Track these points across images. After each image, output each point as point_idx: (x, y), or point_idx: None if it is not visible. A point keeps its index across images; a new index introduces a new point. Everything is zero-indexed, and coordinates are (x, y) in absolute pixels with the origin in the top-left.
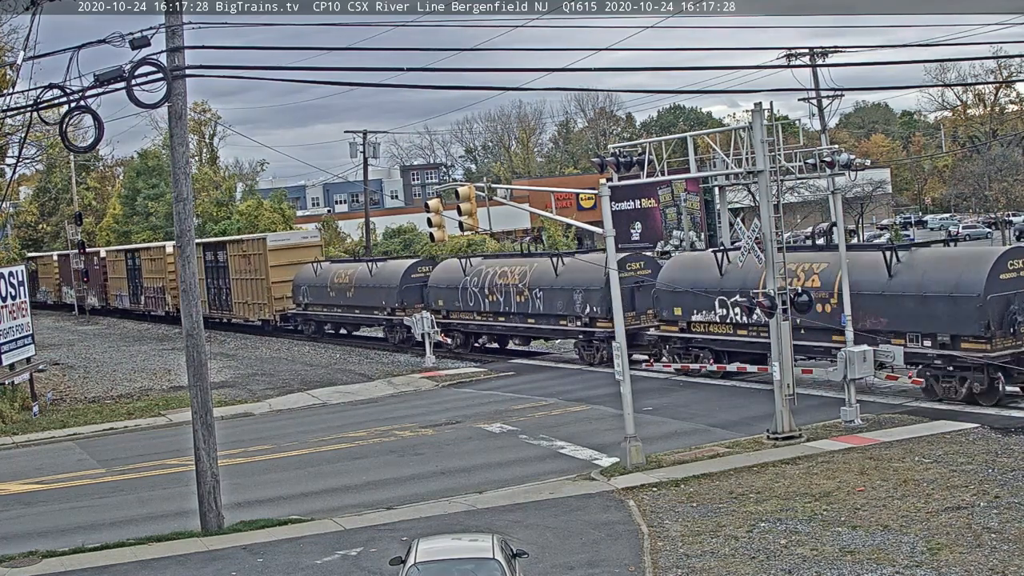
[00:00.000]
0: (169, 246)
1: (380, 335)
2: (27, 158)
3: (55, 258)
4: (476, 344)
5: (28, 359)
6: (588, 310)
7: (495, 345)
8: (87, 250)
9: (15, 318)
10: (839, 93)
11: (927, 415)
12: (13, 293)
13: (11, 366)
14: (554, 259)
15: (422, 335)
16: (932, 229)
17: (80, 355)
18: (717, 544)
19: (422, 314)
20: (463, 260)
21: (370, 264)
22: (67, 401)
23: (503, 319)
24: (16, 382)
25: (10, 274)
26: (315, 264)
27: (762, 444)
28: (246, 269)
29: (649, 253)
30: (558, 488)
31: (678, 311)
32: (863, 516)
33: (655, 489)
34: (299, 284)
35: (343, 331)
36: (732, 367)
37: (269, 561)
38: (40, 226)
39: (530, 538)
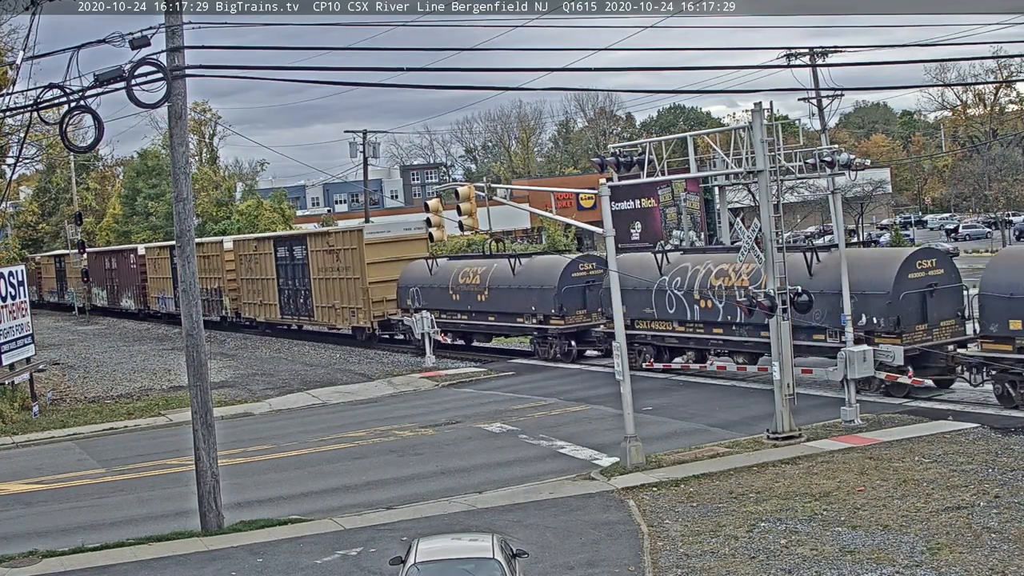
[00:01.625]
0: (230, 241)
1: (527, 347)
2: (27, 158)
3: (83, 258)
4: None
5: (28, 359)
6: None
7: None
8: (123, 247)
9: (15, 318)
10: (839, 93)
11: (927, 415)
12: (13, 293)
13: (11, 366)
14: (512, 260)
15: (421, 335)
16: (932, 229)
17: (80, 355)
18: (717, 544)
19: (422, 314)
20: (430, 261)
21: (512, 261)
22: (67, 401)
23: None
24: (16, 382)
25: (10, 274)
26: (430, 261)
27: (762, 444)
28: (333, 267)
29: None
30: (558, 488)
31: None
32: (863, 516)
33: (655, 489)
34: (406, 285)
35: (475, 342)
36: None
37: (269, 561)
38: (40, 226)
39: (530, 538)
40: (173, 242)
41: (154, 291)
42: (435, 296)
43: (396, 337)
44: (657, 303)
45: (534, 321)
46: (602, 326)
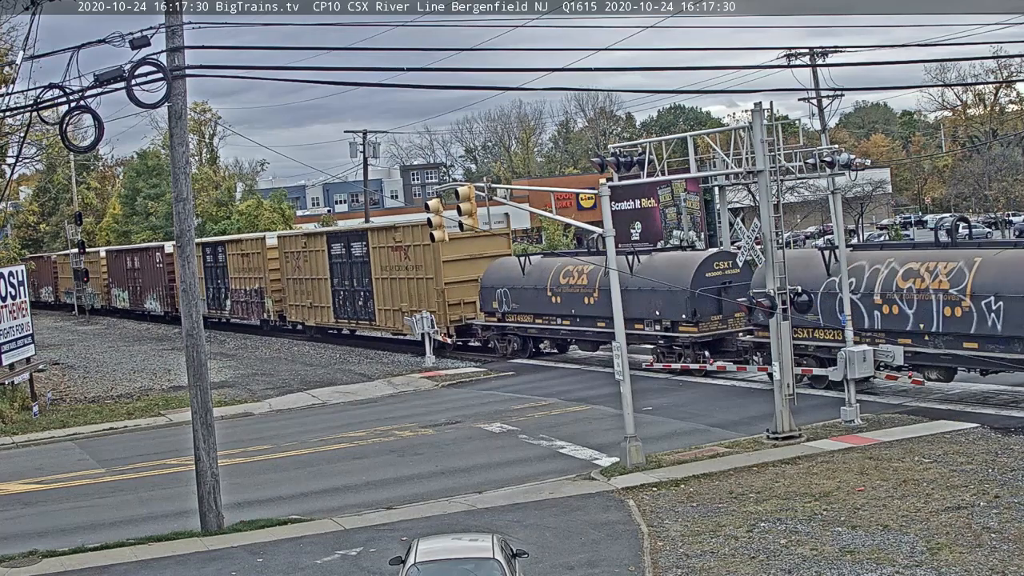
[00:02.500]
0: (273, 237)
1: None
2: (27, 158)
3: (102, 255)
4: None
5: (28, 359)
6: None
7: (554, 350)
8: (148, 245)
9: (15, 318)
10: (839, 93)
11: (927, 415)
12: (13, 293)
13: (11, 366)
14: (629, 257)
15: (422, 335)
16: (932, 229)
17: (80, 355)
18: (717, 544)
19: (422, 313)
20: (522, 258)
21: (630, 258)
22: (67, 401)
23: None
24: (16, 382)
25: (10, 274)
26: (522, 259)
27: (762, 444)
28: (400, 266)
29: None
30: (558, 488)
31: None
32: (863, 516)
33: (655, 489)
34: (491, 286)
35: (574, 350)
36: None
37: (269, 561)
38: (40, 226)
39: (530, 538)
40: (208, 238)
41: None
42: (529, 298)
43: (487, 346)
44: (825, 308)
45: (658, 328)
46: (748, 335)
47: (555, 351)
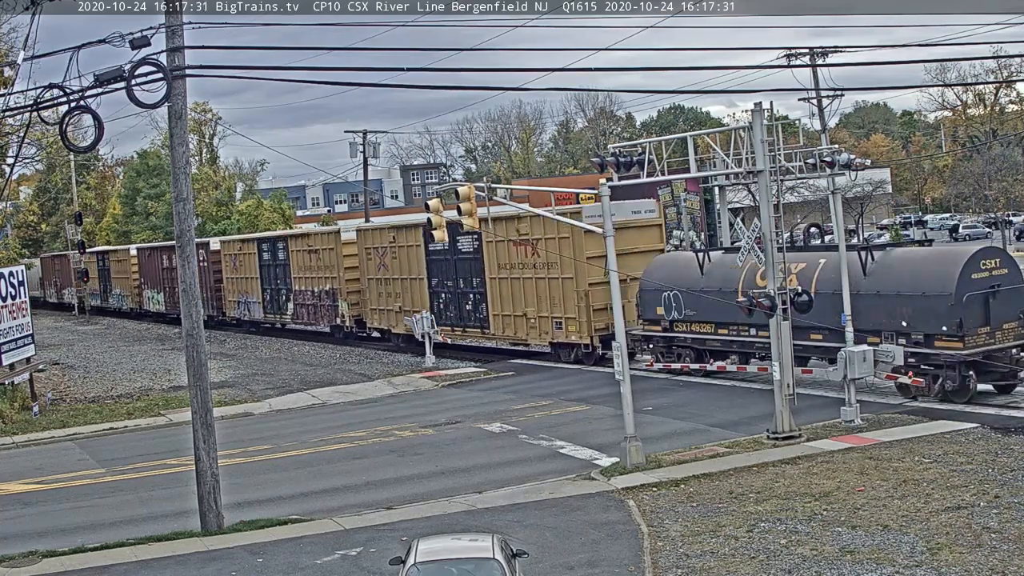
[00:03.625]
0: (350, 230)
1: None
2: (27, 158)
3: (132, 253)
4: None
5: (28, 359)
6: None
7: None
8: (198, 240)
9: (15, 318)
10: (839, 93)
11: (927, 415)
12: (13, 293)
13: (11, 366)
14: (862, 254)
15: (422, 335)
16: (932, 229)
17: (80, 355)
18: (717, 544)
19: (422, 314)
20: (700, 255)
21: (863, 254)
22: (67, 401)
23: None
24: (16, 382)
25: (10, 274)
26: (700, 255)
27: (762, 444)
28: (523, 263)
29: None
30: (558, 488)
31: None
32: (863, 516)
33: (655, 489)
34: (656, 288)
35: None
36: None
37: (269, 561)
38: (40, 226)
39: (530, 538)
40: (265, 232)
41: (233, 294)
42: (710, 305)
43: (660, 360)
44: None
45: (904, 342)
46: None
47: (734, 368)
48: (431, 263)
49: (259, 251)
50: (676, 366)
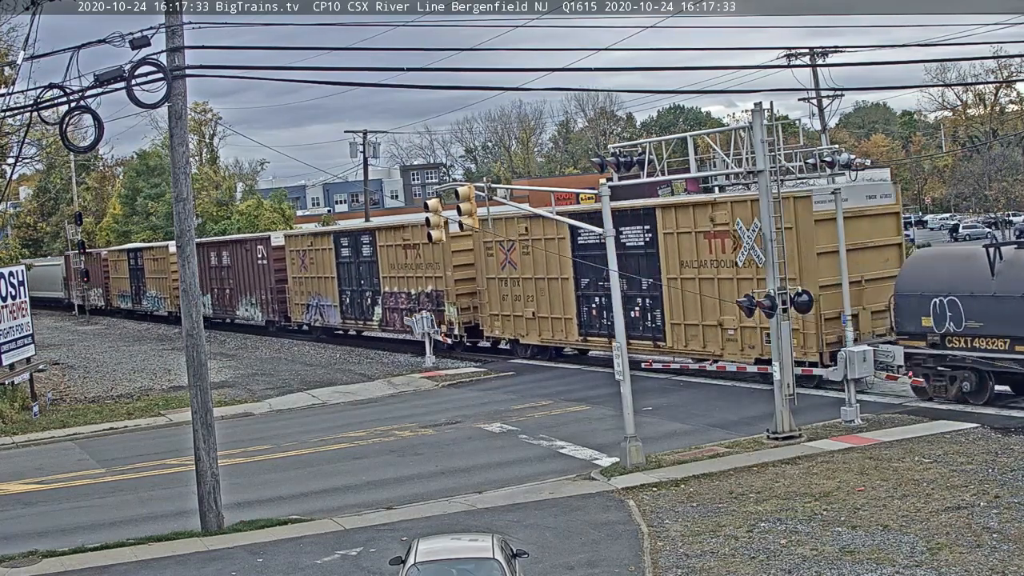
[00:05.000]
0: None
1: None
2: (27, 158)
3: (171, 251)
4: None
5: (28, 359)
6: None
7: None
8: (248, 236)
9: (15, 318)
10: (839, 93)
11: (927, 415)
12: (13, 293)
13: (11, 366)
14: (990, 252)
15: (422, 335)
16: (932, 229)
17: (80, 355)
18: (717, 544)
19: (422, 314)
20: (991, 251)
21: (991, 253)
22: (67, 401)
23: None
24: (16, 382)
25: (10, 274)
26: (991, 251)
27: (762, 444)
28: (716, 260)
29: None
30: (558, 488)
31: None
32: (863, 516)
33: (655, 489)
34: (918, 292)
35: None
36: None
37: (269, 561)
38: (40, 226)
39: (530, 538)
40: (348, 224)
41: (301, 296)
42: (1008, 313)
43: (945, 384)
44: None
45: None
46: None
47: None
48: (581, 260)
49: (336, 246)
50: (676, 366)
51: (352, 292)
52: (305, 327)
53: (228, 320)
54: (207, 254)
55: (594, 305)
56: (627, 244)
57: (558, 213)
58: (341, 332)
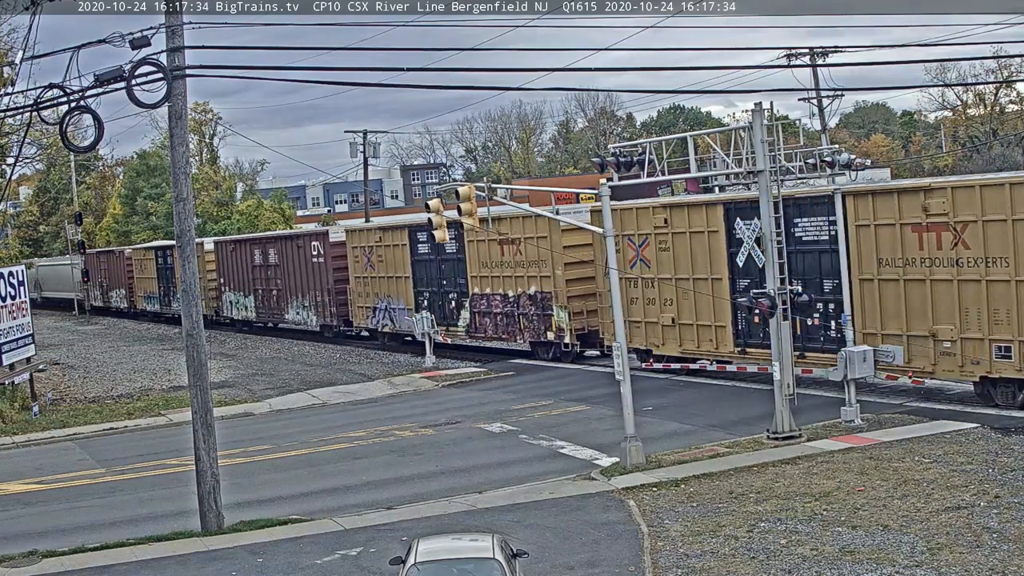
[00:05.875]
0: (576, 210)
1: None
2: (27, 158)
3: (209, 247)
4: None
5: (28, 359)
6: None
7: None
8: (291, 232)
9: (15, 318)
10: (839, 93)
11: (927, 415)
12: (13, 293)
13: (11, 366)
14: None
15: (422, 335)
16: None
17: (80, 355)
18: (717, 544)
19: (422, 314)
20: None
21: None
22: (67, 401)
23: None
24: (16, 382)
25: (10, 274)
26: None
27: (762, 444)
28: (932, 258)
29: None
30: (558, 488)
31: None
32: (863, 516)
33: (655, 489)
34: None
35: None
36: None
37: (269, 561)
38: (39, 226)
39: (530, 538)
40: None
41: (365, 298)
42: None
43: None
44: None
45: None
46: None
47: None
48: (735, 256)
49: (412, 241)
50: (676, 366)
51: (432, 294)
52: (365, 332)
53: (273, 324)
54: (250, 252)
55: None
56: (804, 239)
57: (716, 203)
58: (412, 338)
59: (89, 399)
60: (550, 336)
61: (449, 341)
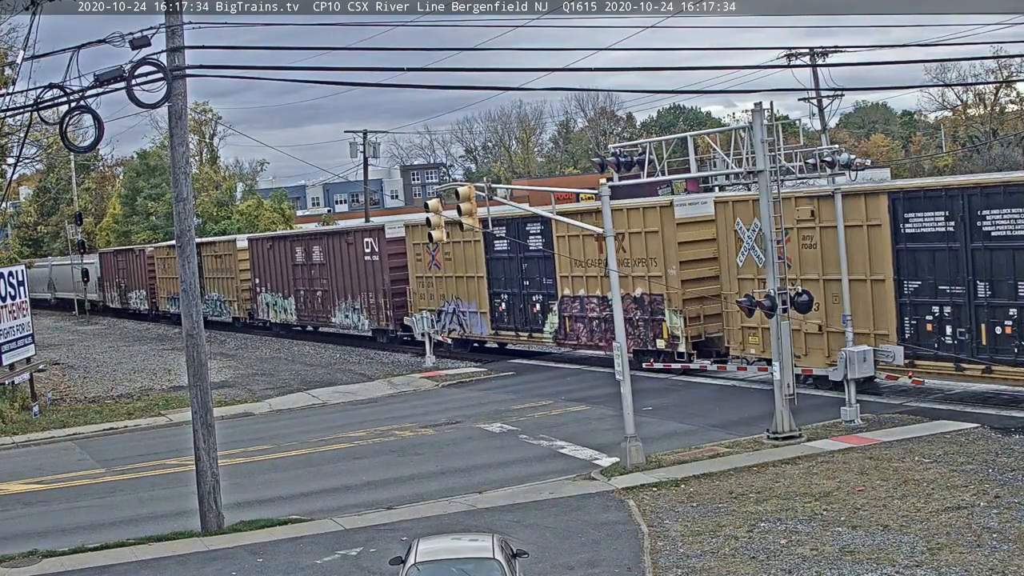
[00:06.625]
0: (692, 203)
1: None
2: (27, 158)
3: (241, 245)
4: None
5: (28, 359)
6: None
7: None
8: (340, 227)
9: (15, 318)
10: (839, 93)
11: (927, 415)
12: (13, 293)
13: (11, 366)
14: None
15: (422, 335)
16: None
17: (80, 355)
18: (717, 544)
19: (422, 314)
20: None
21: None
22: (67, 401)
23: None
24: (16, 382)
25: (10, 274)
26: None
27: (762, 444)
28: None
29: None
30: (558, 488)
31: None
32: (863, 516)
33: (655, 489)
34: None
35: None
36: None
37: (269, 561)
38: (39, 227)
39: (530, 538)
40: (502, 211)
41: (428, 300)
42: None
43: None
44: None
45: None
46: None
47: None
48: (909, 251)
49: (487, 237)
50: (676, 366)
51: (510, 296)
52: (422, 337)
53: (313, 328)
54: (290, 250)
55: (930, 317)
56: (991, 234)
57: (860, 191)
58: (480, 344)
59: (89, 399)
60: (660, 344)
61: (534, 348)
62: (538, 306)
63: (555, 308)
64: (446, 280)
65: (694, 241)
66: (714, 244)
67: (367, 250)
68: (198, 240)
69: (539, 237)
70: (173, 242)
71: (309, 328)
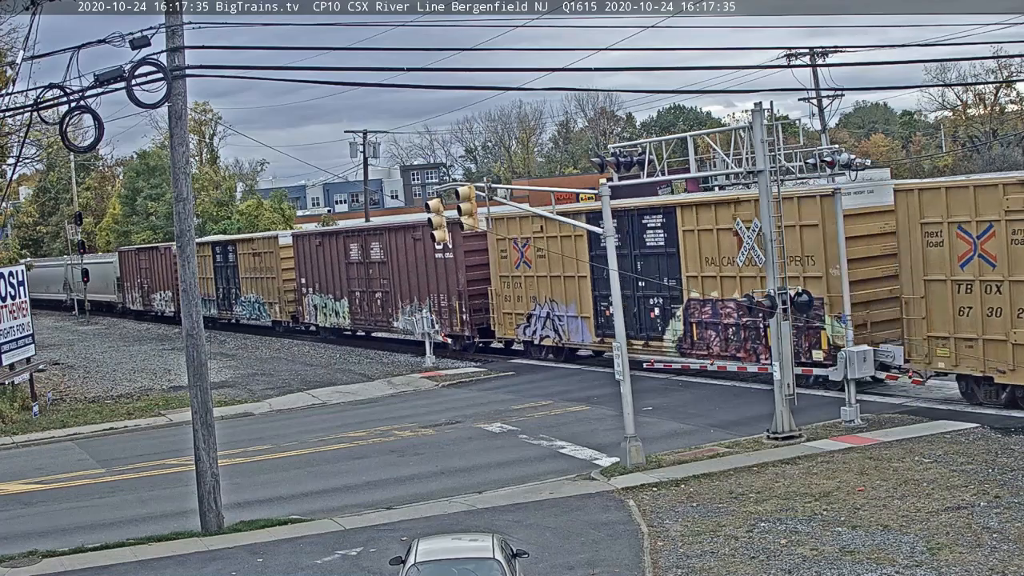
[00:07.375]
0: (859, 191)
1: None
2: (27, 158)
3: (283, 243)
4: None
5: (28, 359)
6: None
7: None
8: (395, 222)
9: (15, 318)
10: (839, 93)
11: (927, 415)
12: (13, 293)
13: (11, 366)
14: None
15: (422, 335)
16: None
17: (80, 355)
18: (717, 544)
19: (422, 314)
20: None
21: None
22: (67, 401)
23: None
24: (16, 382)
25: (10, 274)
26: None
27: (762, 444)
28: None
29: None
30: (558, 488)
31: None
32: (863, 516)
33: (655, 489)
34: None
35: None
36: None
37: (269, 561)
38: (38, 227)
39: (530, 538)
40: (627, 200)
41: (513, 302)
42: None
43: None
44: None
45: None
46: None
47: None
48: None
49: (590, 232)
50: (676, 366)
51: (625, 299)
52: (505, 345)
53: (366, 333)
54: (343, 246)
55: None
56: None
57: None
58: (574, 350)
59: (89, 399)
60: (816, 355)
61: (657, 360)
62: (657, 310)
63: (679, 313)
64: (538, 280)
65: (864, 236)
66: (883, 239)
67: (438, 247)
68: (234, 237)
69: (659, 231)
70: (205, 239)
71: (358, 333)
